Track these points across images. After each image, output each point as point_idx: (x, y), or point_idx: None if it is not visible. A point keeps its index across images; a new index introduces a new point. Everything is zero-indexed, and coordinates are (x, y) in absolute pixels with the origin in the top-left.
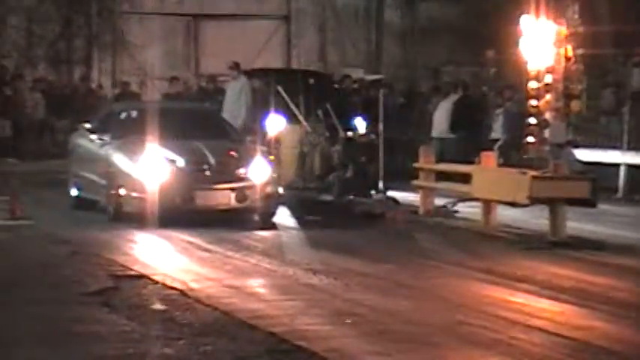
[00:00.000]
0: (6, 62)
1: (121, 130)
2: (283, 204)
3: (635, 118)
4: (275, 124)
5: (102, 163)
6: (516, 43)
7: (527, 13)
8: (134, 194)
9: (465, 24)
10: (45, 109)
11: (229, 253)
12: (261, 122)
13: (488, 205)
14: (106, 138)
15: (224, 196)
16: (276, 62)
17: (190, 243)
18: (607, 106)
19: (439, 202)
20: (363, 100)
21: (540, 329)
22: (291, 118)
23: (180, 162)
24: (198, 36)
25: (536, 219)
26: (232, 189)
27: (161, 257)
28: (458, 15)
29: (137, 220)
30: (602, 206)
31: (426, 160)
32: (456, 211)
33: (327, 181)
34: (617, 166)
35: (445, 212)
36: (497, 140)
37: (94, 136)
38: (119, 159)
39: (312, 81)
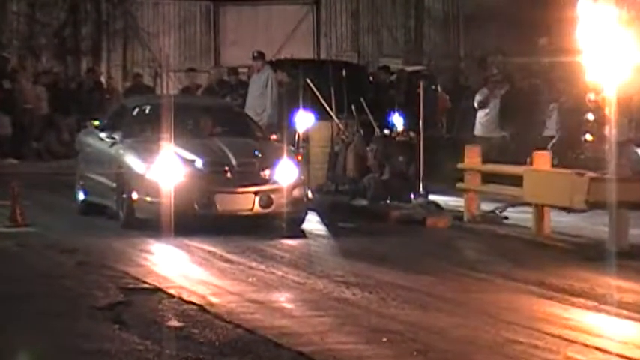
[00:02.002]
0: (7, 53)
1: (134, 128)
2: (312, 209)
3: None
4: (304, 120)
5: (112, 164)
6: (572, 30)
7: None
8: (148, 198)
9: (514, 8)
10: (49, 104)
11: (253, 264)
12: (289, 119)
13: (540, 210)
14: (117, 136)
15: (247, 201)
16: (304, 52)
17: (210, 253)
18: None
19: (486, 207)
20: (401, 93)
21: (599, 349)
22: (322, 114)
23: (199, 163)
24: (218, 23)
25: (594, 226)
26: (256, 193)
27: (177, 268)
28: None
29: (151, 227)
30: None
31: (471, 161)
32: (505, 217)
33: (361, 184)
34: None
35: (493, 218)
36: (551, 138)
37: (103, 135)
38: (131, 160)
39: (344, 73)
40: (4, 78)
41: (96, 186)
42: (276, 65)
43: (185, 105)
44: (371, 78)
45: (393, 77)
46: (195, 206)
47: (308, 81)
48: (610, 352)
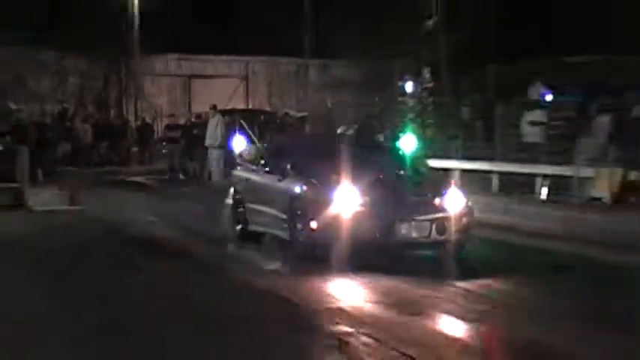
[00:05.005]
0: (67, 105)
1: (304, 163)
2: None
3: None
4: (239, 143)
5: (283, 195)
6: None
7: None
8: (328, 227)
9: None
10: (92, 135)
11: None
12: (229, 143)
13: None
14: (288, 169)
15: (425, 228)
16: (239, 105)
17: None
18: None
19: None
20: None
21: None
22: (250, 139)
23: (377, 191)
24: (191, 89)
25: None
26: (431, 220)
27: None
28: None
29: (329, 257)
30: None
31: None
32: None
33: None
34: None
35: None
36: None
37: (269, 168)
38: (308, 190)
39: (262, 117)
40: (66, 121)
41: (259, 216)
42: (224, 113)
43: (348, 145)
44: (278, 120)
45: (291, 119)
46: (377, 234)
47: (241, 121)
48: None
